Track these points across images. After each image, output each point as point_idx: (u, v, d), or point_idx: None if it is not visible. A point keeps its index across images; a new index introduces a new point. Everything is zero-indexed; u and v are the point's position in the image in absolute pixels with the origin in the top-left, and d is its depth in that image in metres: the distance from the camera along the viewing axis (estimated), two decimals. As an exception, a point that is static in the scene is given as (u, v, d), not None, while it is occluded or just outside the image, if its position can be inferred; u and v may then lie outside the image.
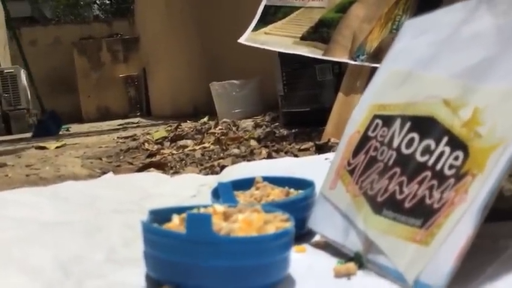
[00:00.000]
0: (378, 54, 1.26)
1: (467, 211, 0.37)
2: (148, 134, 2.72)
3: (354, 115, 0.63)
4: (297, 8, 1.58)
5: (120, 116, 8.72)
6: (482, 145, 0.41)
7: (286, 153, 1.32)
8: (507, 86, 0.41)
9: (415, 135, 0.50)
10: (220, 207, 0.51)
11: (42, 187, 0.85)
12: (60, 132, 5.48)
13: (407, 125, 0.52)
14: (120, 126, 5.43)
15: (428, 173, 0.45)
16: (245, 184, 0.71)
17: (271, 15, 1.66)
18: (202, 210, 0.53)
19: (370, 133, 0.57)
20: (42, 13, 12.60)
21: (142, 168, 1.38)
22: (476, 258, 0.39)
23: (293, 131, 1.72)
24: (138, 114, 8.93)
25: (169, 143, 2.31)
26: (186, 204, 0.54)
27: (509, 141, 0.38)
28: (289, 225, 0.47)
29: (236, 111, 2.75)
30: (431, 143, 0.47)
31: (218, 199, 0.65)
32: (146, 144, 2.28)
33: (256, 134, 1.78)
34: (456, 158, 0.43)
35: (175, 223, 0.50)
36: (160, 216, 0.52)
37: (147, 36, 7.51)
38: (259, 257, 0.43)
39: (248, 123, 2.30)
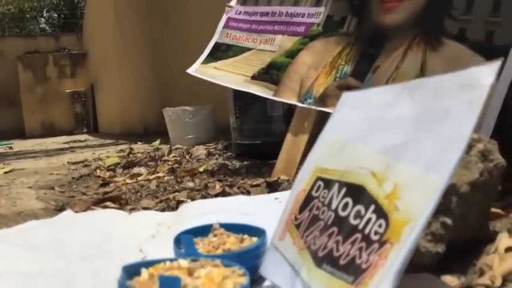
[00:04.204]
0: (324, 99, 1.38)
1: (386, 274, 0.47)
2: (100, 159, 2.73)
3: (301, 174, 0.72)
4: (248, 49, 1.68)
5: (66, 132, 8.49)
6: (399, 218, 0.51)
7: (238, 188, 1.40)
8: (418, 171, 0.52)
9: (349, 200, 0.60)
10: (184, 262, 0.59)
11: (8, 231, 0.88)
12: (3, 150, 5.29)
13: (343, 190, 0.62)
14: (67, 145, 5.32)
15: (359, 236, 0.55)
16: (203, 230, 0.79)
17: (221, 52, 1.75)
18: (168, 264, 0.60)
19: (313, 193, 0.67)
20: (-16, 24, 12.13)
21: (98, 203, 1.41)
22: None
23: (245, 163, 1.81)
24: (85, 130, 8.74)
25: (121, 169, 2.34)
26: (153, 259, 0.61)
27: (418, 219, 0.48)
28: (245, 280, 0.56)
29: (189, 137, 2.81)
30: (361, 209, 0.57)
31: (179, 245, 0.73)
32: (98, 170, 2.30)
33: (210, 166, 1.85)
34: (380, 226, 0.53)
35: (144, 277, 0.57)
36: (131, 270, 0.58)
37: (96, 52, 7.42)
38: (220, 312, 0.51)
39: (201, 151, 2.38)
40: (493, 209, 0.76)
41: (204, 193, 1.43)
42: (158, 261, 0.61)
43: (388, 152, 0.59)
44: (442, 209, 0.60)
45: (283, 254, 0.67)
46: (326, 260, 0.58)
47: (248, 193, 1.33)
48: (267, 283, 0.69)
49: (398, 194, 0.53)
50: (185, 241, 0.70)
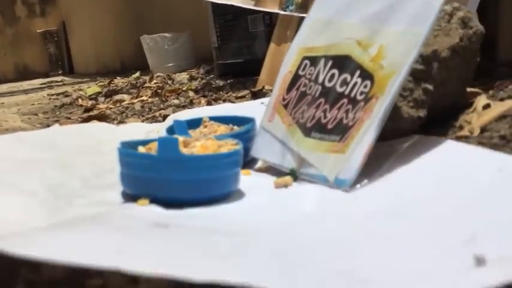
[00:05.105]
0: (306, 5, 1.37)
1: (371, 124, 0.50)
2: (80, 90, 2.69)
3: (286, 58, 0.74)
4: None
5: (41, 75, 8.25)
6: (383, 74, 0.53)
7: (224, 101, 1.42)
8: (401, 28, 0.54)
9: (336, 71, 0.62)
10: (180, 138, 0.61)
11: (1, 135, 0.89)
12: (-22, 94, 5.17)
13: (329, 63, 0.64)
14: (44, 85, 5.21)
15: (345, 100, 0.58)
16: (193, 124, 0.81)
17: None
18: (163, 141, 0.62)
19: (300, 72, 0.69)
20: None
21: (84, 121, 1.41)
22: (378, 158, 0.52)
23: (228, 81, 1.81)
24: (60, 72, 8.52)
25: (104, 98, 2.32)
26: (149, 138, 0.63)
27: (401, 70, 0.50)
28: (239, 147, 0.58)
29: (169, 65, 2.77)
30: (347, 76, 0.59)
31: (172, 133, 0.75)
32: (80, 100, 2.27)
33: (194, 86, 1.85)
34: (365, 86, 0.55)
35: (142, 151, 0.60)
36: (128, 147, 0.60)
37: (66, -12, 7.06)
38: (216, 171, 0.53)
39: (183, 77, 2.35)
40: (471, 89, 0.79)
41: (189, 108, 1.44)
42: (154, 140, 0.62)
43: (372, 20, 0.60)
44: (423, 76, 0.63)
45: (273, 134, 0.69)
46: (314, 129, 0.61)
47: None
48: (258, 164, 0.72)
49: (383, 54, 0.55)
50: (178, 127, 0.71)
